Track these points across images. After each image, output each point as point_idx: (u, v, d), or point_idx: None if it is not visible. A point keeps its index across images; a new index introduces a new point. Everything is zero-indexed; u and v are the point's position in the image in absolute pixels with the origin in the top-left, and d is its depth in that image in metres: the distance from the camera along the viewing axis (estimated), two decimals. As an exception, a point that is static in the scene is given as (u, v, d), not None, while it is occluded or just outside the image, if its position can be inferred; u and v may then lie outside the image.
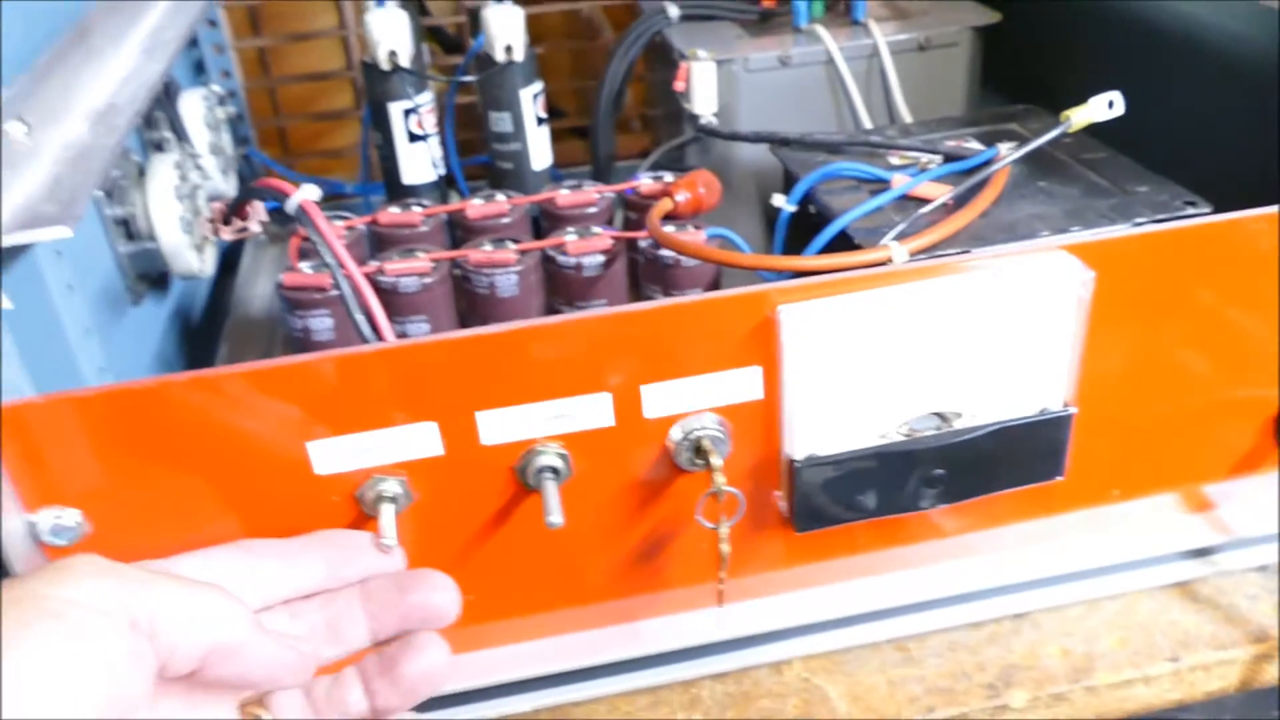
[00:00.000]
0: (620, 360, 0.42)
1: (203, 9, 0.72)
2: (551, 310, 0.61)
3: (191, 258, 0.63)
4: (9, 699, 0.26)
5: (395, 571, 0.40)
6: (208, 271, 0.66)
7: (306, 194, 0.46)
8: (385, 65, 0.69)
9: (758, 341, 0.43)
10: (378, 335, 0.47)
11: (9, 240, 0.37)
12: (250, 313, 0.76)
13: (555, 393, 0.43)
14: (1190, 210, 0.54)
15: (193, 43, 0.87)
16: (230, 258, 0.87)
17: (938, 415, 0.47)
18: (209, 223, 0.56)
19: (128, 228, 0.62)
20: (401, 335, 0.58)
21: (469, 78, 0.72)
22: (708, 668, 0.51)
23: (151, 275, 0.65)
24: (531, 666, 0.49)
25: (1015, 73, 0.85)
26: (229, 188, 0.78)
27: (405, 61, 0.69)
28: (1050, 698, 0.50)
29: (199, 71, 0.89)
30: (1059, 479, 0.49)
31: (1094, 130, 0.57)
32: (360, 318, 0.46)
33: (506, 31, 0.69)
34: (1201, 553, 0.55)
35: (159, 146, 0.71)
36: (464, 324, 0.61)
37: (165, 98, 0.72)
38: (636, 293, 0.63)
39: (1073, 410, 0.47)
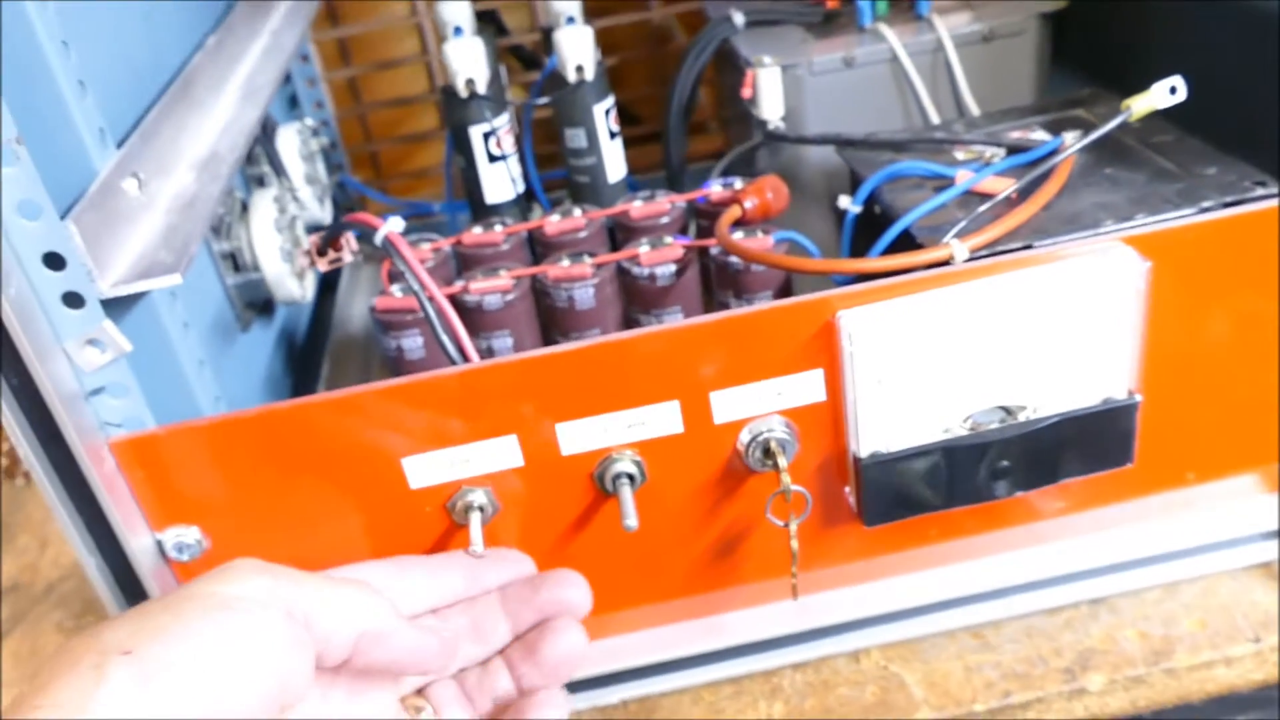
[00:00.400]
0: (689, 370, 0.45)
1: (293, 52, 0.76)
2: (629, 318, 0.64)
3: (293, 285, 0.67)
4: (199, 681, 0.29)
5: (531, 574, 0.43)
6: (308, 297, 0.70)
7: (391, 227, 0.50)
8: (463, 93, 0.72)
9: (820, 346, 0.45)
10: (462, 354, 0.50)
11: (129, 289, 0.41)
12: (349, 332, 0.81)
13: (629, 403, 0.45)
14: (1260, 191, 0.54)
15: (286, 79, 0.92)
16: (330, 279, 0.92)
17: (1002, 409, 0.48)
18: (305, 255, 0.60)
19: (234, 260, 0.67)
20: (487, 350, 0.62)
21: (543, 99, 0.75)
22: (788, 658, 0.53)
23: (258, 303, 0.70)
24: (618, 660, 0.52)
25: (1090, 51, 0.84)
26: (325, 215, 0.82)
27: (482, 87, 0.73)
28: (1128, 680, 0.51)
29: (293, 105, 0.94)
30: (1129, 466, 0.50)
31: (1176, 108, 0.56)
32: (445, 339, 0.50)
33: (577, 53, 0.72)
34: (1284, 533, 0.55)
35: (260, 181, 0.76)
36: (546, 335, 0.64)
37: (264, 136, 0.76)
38: (710, 297, 0.65)
39: (1137, 399, 0.48)
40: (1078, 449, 0.49)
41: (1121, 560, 0.54)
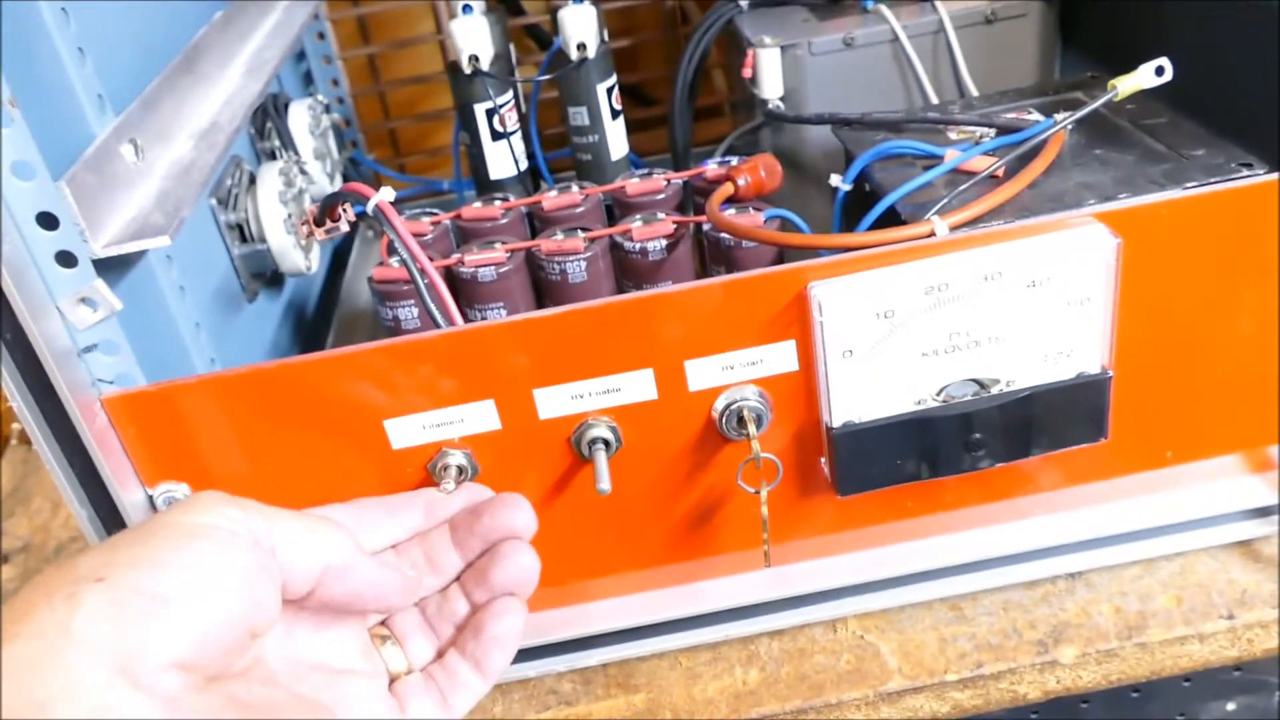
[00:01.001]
0: (663, 338, 0.46)
1: (303, 26, 0.77)
2: (622, 292, 0.65)
3: (298, 257, 0.69)
4: (170, 605, 0.30)
5: (476, 501, 0.44)
6: (314, 268, 0.72)
7: (382, 196, 0.51)
8: (467, 69, 0.73)
9: (792, 316, 0.46)
10: (449, 322, 0.51)
11: (120, 250, 0.43)
12: (357, 304, 0.83)
13: (605, 370, 0.46)
14: (1245, 173, 0.54)
15: (301, 56, 0.94)
16: (341, 253, 0.93)
17: (975, 381, 0.49)
18: (303, 225, 0.61)
19: (241, 232, 0.69)
20: (481, 321, 0.63)
21: (546, 76, 0.76)
22: (765, 625, 0.54)
23: (264, 274, 0.71)
24: (597, 624, 0.53)
25: (1101, 35, 0.84)
26: (332, 186, 0.84)
27: (486, 64, 0.74)
28: (1100, 654, 0.51)
29: (308, 83, 0.95)
30: (1103, 441, 0.50)
31: (1180, 91, 0.56)
32: (433, 307, 0.51)
33: (580, 30, 0.73)
34: (1264, 512, 0.55)
35: (272, 155, 0.78)
36: (540, 308, 0.65)
37: (275, 111, 0.78)
38: (706, 274, 0.66)
39: (1109, 374, 0.48)
40: (1050, 423, 0.49)
41: (1100, 536, 0.55)
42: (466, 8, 0.81)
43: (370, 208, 0.52)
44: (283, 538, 0.35)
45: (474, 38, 0.73)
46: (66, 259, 0.42)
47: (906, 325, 0.46)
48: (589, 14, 0.73)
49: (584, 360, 0.46)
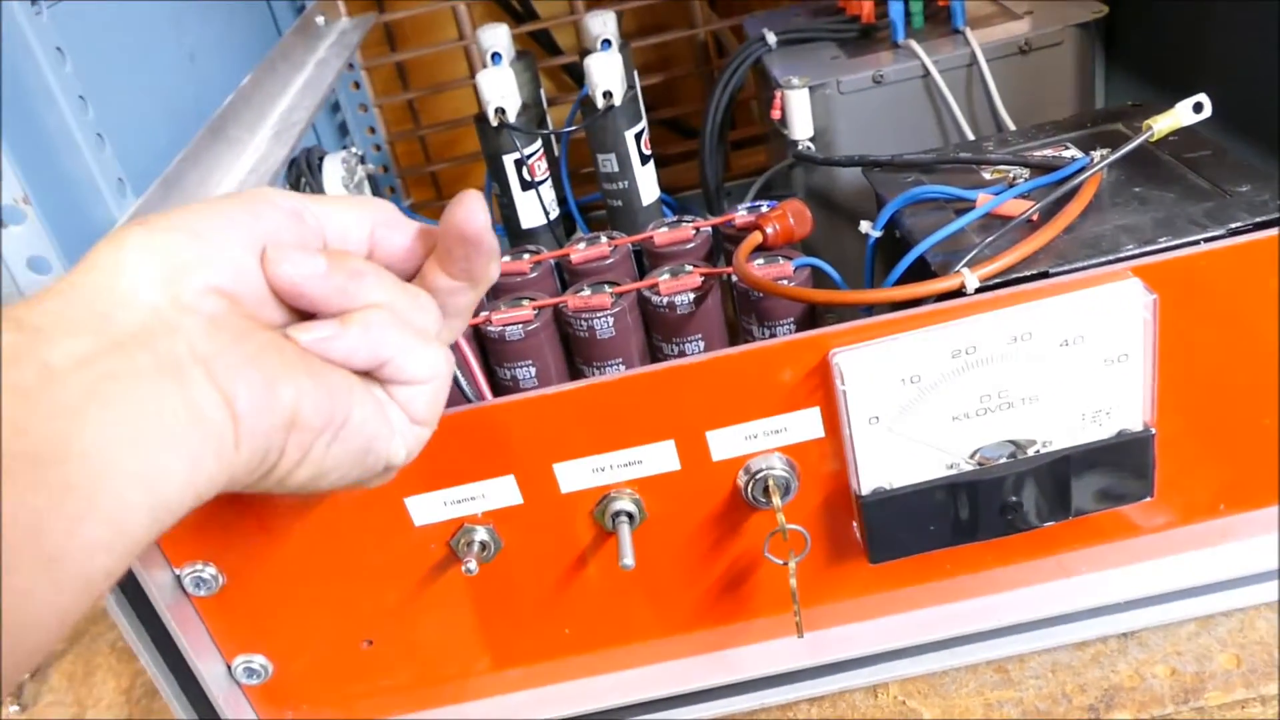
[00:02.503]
0: (683, 409, 0.45)
1: (334, 82, 0.78)
2: (651, 346, 0.64)
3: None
4: (219, 238, 0.32)
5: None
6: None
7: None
8: (493, 121, 0.73)
9: (815, 383, 0.45)
10: (477, 391, 0.51)
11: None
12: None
13: (626, 442, 0.46)
14: (1291, 210, 0.52)
15: (335, 107, 0.94)
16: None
17: (1011, 442, 0.47)
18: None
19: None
20: (510, 380, 0.63)
21: (572, 129, 0.75)
22: (804, 692, 0.53)
23: (299, 332, 0.72)
24: (629, 694, 0.52)
25: (1145, 53, 0.82)
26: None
27: (513, 116, 0.74)
28: (1154, 721, 0.49)
29: (343, 133, 0.96)
30: (1148, 500, 0.48)
31: (1239, 110, 0.54)
32: (462, 379, 0.51)
33: (606, 78, 0.72)
34: (1326, 567, 0.52)
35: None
36: (570, 363, 0.65)
37: (308, 168, 0.79)
38: (736, 323, 0.65)
39: (1153, 431, 0.46)
40: (1092, 483, 0.47)
41: (1153, 593, 0.53)
42: (495, 56, 0.81)
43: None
44: (330, 205, 0.36)
45: (500, 90, 0.73)
46: (86, 349, 0.42)
47: (934, 389, 0.45)
48: (614, 61, 0.73)
49: (604, 433, 0.45)
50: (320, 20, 0.87)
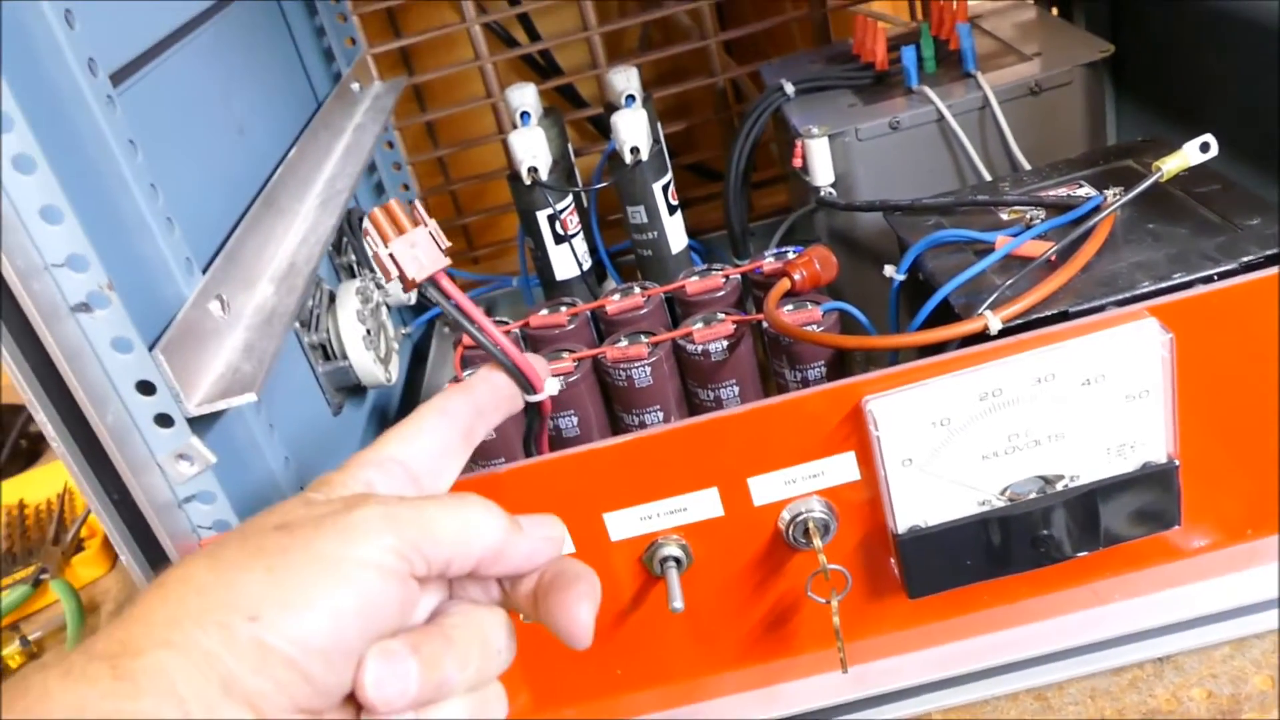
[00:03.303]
0: (725, 458, 0.47)
1: (374, 145, 0.81)
2: (687, 391, 0.67)
3: (378, 371, 0.72)
4: (310, 655, 0.31)
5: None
6: (393, 379, 0.75)
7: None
8: (526, 180, 0.76)
9: (850, 429, 0.47)
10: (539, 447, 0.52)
11: (212, 408, 0.46)
12: (436, 407, 0.86)
13: (671, 491, 0.48)
14: (1302, 242, 0.54)
15: (371, 168, 0.98)
16: (422, 350, 0.97)
17: (1040, 478, 0.49)
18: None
19: (325, 350, 0.72)
20: (553, 429, 0.65)
21: (602, 184, 0.78)
22: (848, 725, 0.55)
23: (348, 387, 0.75)
24: (680, 730, 0.54)
25: (1155, 87, 0.84)
26: (408, 296, 0.87)
27: (545, 173, 0.77)
28: (1190, 743, 0.51)
29: (380, 192, 0.99)
30: (1176, 528, 0.50)
31: (1245, 142, 0.56)
32: (499, 356, 0.50)
33: (632, 135, 0.75)
34: (1354, 586, 0.54)
35: (350, 270, 0.82)
36: (609, 411, 0.68)
37: (349, 228, 0.82)
38: (768, 368, 0.68)
39: (1176, 463, 0.48)
40: (1120, 515, 0.49)
41: (1186, 618, 0.54)
42: (524, 115, 0.84)
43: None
44: (441, 542, 0.35)
45: (532, 149, 0.76)
46: (164, 420, 0.45)
47: (964, 431, 0.47)
48: (640, 118, 0.76)
49: (651, 483, 0.48)
50: (355, 86, 0.91)
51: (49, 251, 0.41)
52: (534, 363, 0.44)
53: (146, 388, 0.45)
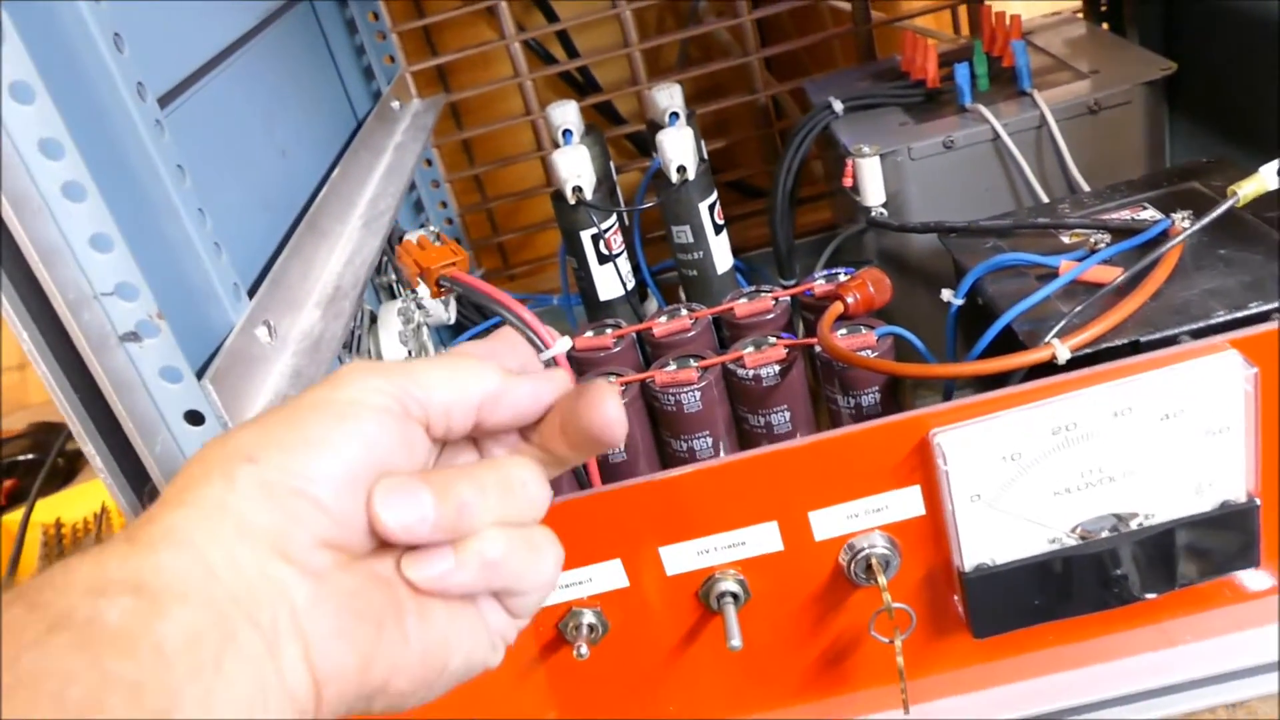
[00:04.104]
0: (785, 491, 0.46)
1: (415, 165, 0.81)
2: (736, 418, 0.65)
3: (419, 394, 0.71)
4: (314, 487, 0.31)
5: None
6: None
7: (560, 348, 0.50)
8: (571, 199, 0.75)
9: (915, 463, 0.46)
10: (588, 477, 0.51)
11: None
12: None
13: (729, 525, 0.46)
14: (1382, 269, 0.52)
15: (409, 186, 0.97)
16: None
17: (1114, 516, 0.47)
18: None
19: (365, 372, 0.71)
20: (603, 455, 0.64)
21: (648, 204, 0.77)
22: (908, 765, 0.53)
23: (388, 410, 0.74)
24: (736, 770, 0.52)
25: (1211, 105, 0.82)
26: (449, 315, 0.87)
27: (589, 192, 0.76)
28: (1268, 793, 0.49)
29: (419, 210, 0.99)
30: (1253, 569, 0.48)
31: None
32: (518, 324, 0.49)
33: (679, 154, 0.74)
34: None
35: (390, 291, 0.81)
36: (656, 435, 0.66)
37: (389, 247, 0.81)
38: (819, 393, 0.66)
39: (1257, 502, 0.46)
40: (1196, 554, 0.47)
41: (1261, 662, 0.52)
42: (566, 134, 0.83)
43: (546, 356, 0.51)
44: (432, 388, 0.34)
45: (576, 168, 0.75)
46: (212, 450, 0.44)
47: (1035, 466, 0.45)
48: (687, 136, 0.75)
49: (709, 517, 0.46)
50: (395, 105, 0.90)
51: (98, 280, 0.40)
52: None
53: (195, 418, 0.44)
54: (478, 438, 0.37)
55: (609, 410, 0.35)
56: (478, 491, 0.33)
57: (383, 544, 0.33)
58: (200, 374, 0.44)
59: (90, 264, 0.40)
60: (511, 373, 0.37)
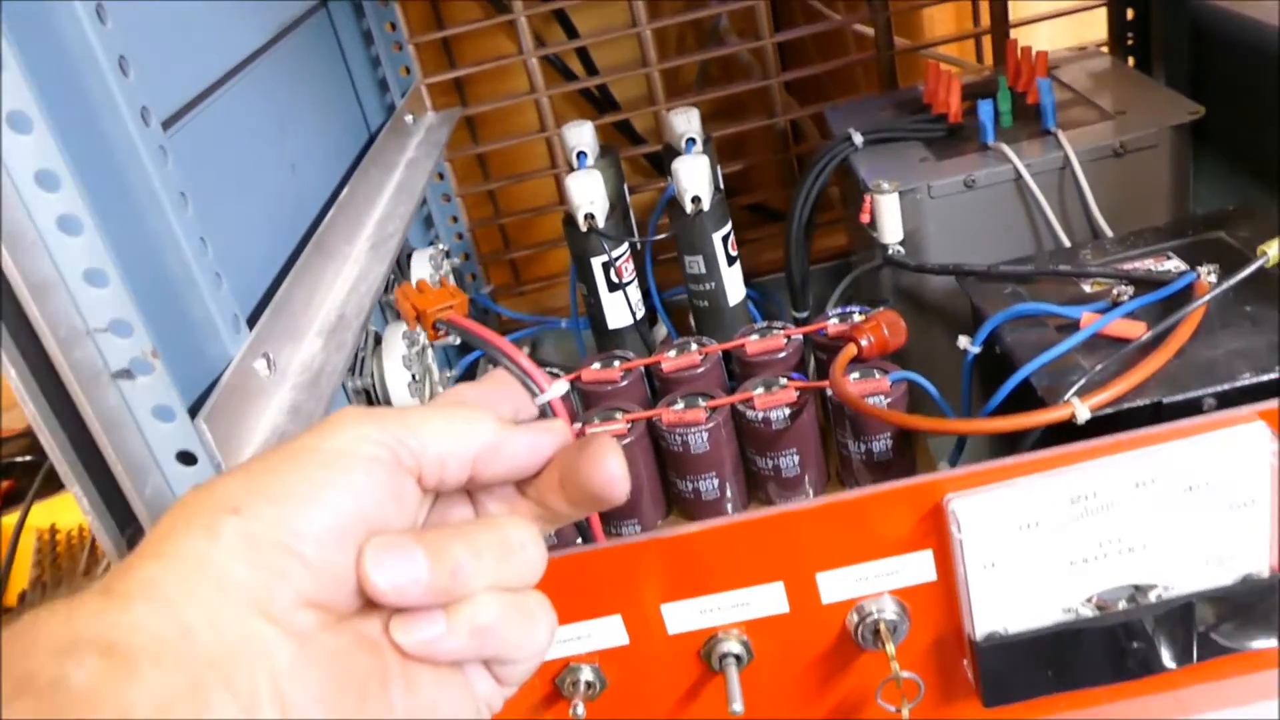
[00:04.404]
0: (793, 552, 0.44)
1: (426, 181, 0.79)
2: (745, 459, 0.64)
3: (422, 419, 0.70)
4: (300, 539, 0.29)
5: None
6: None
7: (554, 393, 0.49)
8: (583, 226, 0.74)
9: (929, 527, 0.44)
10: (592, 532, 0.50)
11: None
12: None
13: (734, 584, 0.45)
14: None
15: (420, 202, 0.96)
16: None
17: (1132, 586, 0.46)
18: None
19: (369, 396, 0.70)
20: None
21: (661, 235, 0.76)
22: (909, 831, 0.51)
23: (390, 433, 0.72)
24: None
25: (1236, 154, 0.80)
26: (454, 336, 0.85)
27: (601, 219, 0.74)
28: None
29: (428, 225, 0.97)
30: (1275, 646, 0.46)
31: None
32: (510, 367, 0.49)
33: (694, 184, 0.73)
34: None
35: (396, 310, 0.79)
36: (662, 473, 0.65)
37: (398, 269, 0.80)
38: (830, 435, 0.65)
39: (1280, 577, 0.45)
40: (1216, 628, 0.46)
41: (1277, 733, 0.51)
42: (581, 155, 0.82)
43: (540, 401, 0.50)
44: (425, 438, 0.33)
45: (589, 194, 0.74)
46: (204, 490, 0.43)
47: (1052, 535, 0.44)
48: (702, 165, 0.73)
49: (713, 576, 0.45)
50: (409, 119, 0.89)
51: (92, 316, 0.39)
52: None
53: (188, 458, 0.42)
54: (472, 490, 0.36)
55: (611, 468, 0.34)
56: (473, 553, 0.32)
57: (369, 604, 0.31)
58: (195, 411, 0.43)
59: (84, 299, 0.39)
60: (509, 424, 0.35)
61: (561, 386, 0.43)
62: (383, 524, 0.31)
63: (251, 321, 0.51)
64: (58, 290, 0.38)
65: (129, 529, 0.43)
